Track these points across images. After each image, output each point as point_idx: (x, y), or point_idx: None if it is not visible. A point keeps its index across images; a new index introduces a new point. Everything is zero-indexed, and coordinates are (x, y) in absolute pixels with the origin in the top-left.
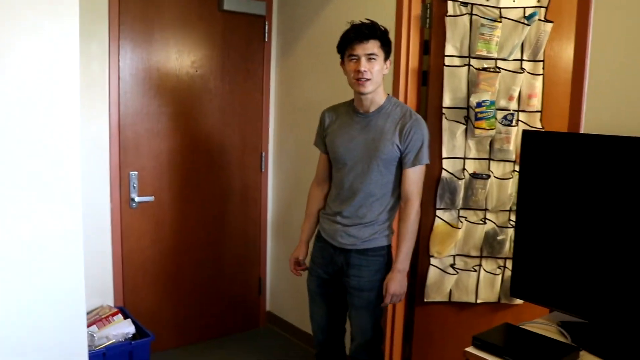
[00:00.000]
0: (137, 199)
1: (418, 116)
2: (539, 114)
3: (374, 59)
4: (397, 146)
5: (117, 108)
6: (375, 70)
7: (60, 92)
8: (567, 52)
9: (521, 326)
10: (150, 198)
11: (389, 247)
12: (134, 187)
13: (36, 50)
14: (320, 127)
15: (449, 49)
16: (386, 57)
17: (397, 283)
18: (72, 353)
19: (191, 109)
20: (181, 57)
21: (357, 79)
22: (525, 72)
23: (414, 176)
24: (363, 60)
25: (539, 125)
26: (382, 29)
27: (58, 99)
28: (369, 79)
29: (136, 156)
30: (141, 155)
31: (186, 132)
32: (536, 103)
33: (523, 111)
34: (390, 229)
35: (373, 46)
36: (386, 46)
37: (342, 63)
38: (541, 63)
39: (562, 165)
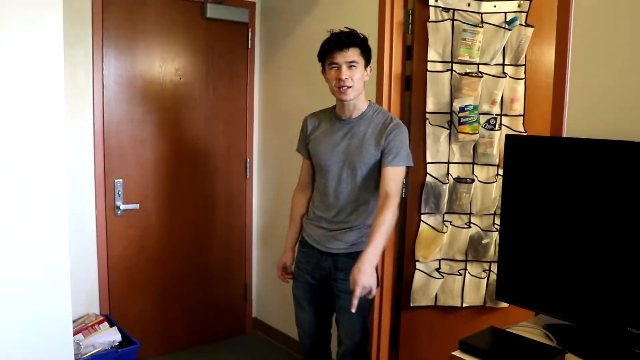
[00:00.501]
0: (122, 206)
1: (399, 121)
2: (522, 117)
3: (354, 66)
4: (377, 150)
5: (101, 116)
6: (357, 77)
7: (44, 100)
8: (548, 56)
9: (507, 329)
10: (136, 206)
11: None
12: (119, 194)
13: (20, 57)
14: (302, 133)
15: (432, 54)
16: (366, 64)
17: (363, 274)
18: None
19: (176, 116)
20: (165, 64)
21: (338, 87)
22: (508, 77)
23: (393, 174)
24: (344, 68)
25: (521, 129)
26: (362, 36)
27: (43, 107)
28: (350, 87)
29: (121, 164)
30: (126, 163)
31: (171, 139)
32: (518, 107)
33: (506, 115)
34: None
35: (353, 54)
36: (366, 53)
37: (323, 71)
38: (523, 67)
39: (545, 169)
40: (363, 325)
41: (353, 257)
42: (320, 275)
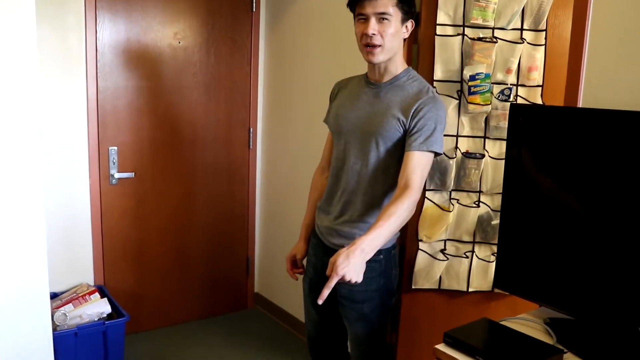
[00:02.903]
0: (116, 175)
1: (436, 95)
2: (540, 88)
3: (386, 19)
4: (402, 122)
5: (95, 81)
6: (388, 33)
7: (18, 65)
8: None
9: (502, 322)
10: (131, 174)
11: (388, 250)
12: (113, 163)
13: None
14: (330, 102)
15: (441, 17)
16: (405, 18)
17: (349, 264)
18: (35, 335)
19: (174, 83)
20: (163, 27)
21: (365, 45)
22: (525, 43)
23: (419, 161)
24: (372, 20)
25: (539, 100)
26: None
27: (16, 73)
28: (379, 45)
29: (116, 131)
30: (121, 131)
31: (169, 106)
32: (537, 77)
33: (522, 85)
34: None
35: (386, 3)
36: (404, 4)
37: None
38: (543, 33)
39: (554, 143)
40: (372, 335)
41: None
42: (322, 272)
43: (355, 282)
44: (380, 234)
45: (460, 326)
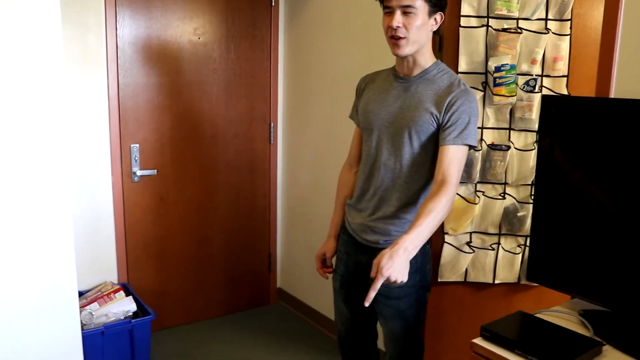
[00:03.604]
0: (139, 172)
1: (468, 87)
2: (565, 79)
3: (412, 12)
4: (435, 117)
5: (115, 79)
6: (414, 26)
7: (43, 64)
8: (598, 9)
9: (537, 315)
10: (153, 171)
11: (424, 246)
12: (135, 160)
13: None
14: (356, 97)
15: (465, 8)
16: (433, 10)
17: (393, 264)
18: (65, 333)
19: (194, 79)
20: (183, 23)
21: (390, 37)
22: (550, 33)
23: (454, 155)
24: (397, 13)
25: (565, 91)
26: None
27: (41, 72)
28: (403, 37)
29: (137, 128)
30: (142, 128)
31: (189, 102)
32: (562, 67)
33: (547, 76)
34: None
35: None
36: None
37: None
38: (568, 22)
39: (587, 134)
40: (409, 332)
41: None
42: (356, 269)
43: (401, 282)
44: (421, 232)
45: (495, 320)
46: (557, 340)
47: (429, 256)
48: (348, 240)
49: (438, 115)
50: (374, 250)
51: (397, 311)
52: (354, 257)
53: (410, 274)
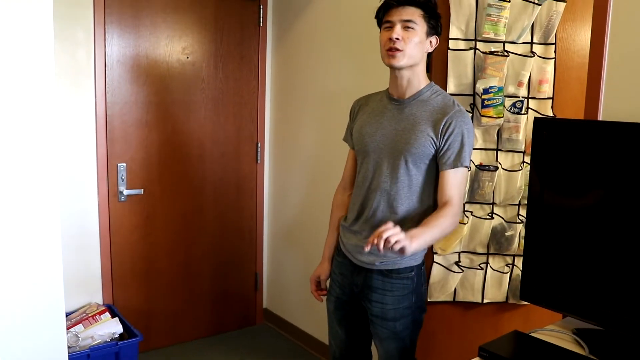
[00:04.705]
0: (125, 192)
1: (462, 108)
2: (550, 100)
3: (412, 28)
4: (432, 140)
5: (103, 97)
6: (412, 41)
7: (34, 81)
8: (581, 34)
9: (532, 334)
10: (140, 191)
11: (419, 267)
12: (122, 179)
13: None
14: (349, 119)
15: (454, 32)
16: (430, 32)
17: (395, 228)
18: (51, 356)
19: (182, 98)
20: (171, 42)
21: (387, 49)
22: (536, 56)
23: (455, 180)
24: (398, 26)
25: (550, 112)
26: None
27: (31, 89)
28: (401, 50)
29: (124, 147)
30: (130, 147)
31: (177, 122)
32: (547, 89)
33: (533, 98)
34: None
35: (412, 13)
36: (431, 17)
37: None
38: (553, 46)
39: (578, 155)
40: (404, 353)
41: (388, 275)
42: (351, 290)
43: (400, 249)
44: (423, 240)
45: (492, 340)
46: (554, 359)
47: (424, 277)
48: (343, 262)
49: (435, 138)
50: (370, 272)
51: (393, 332)
52: (350, 278)
53: (406, 295)
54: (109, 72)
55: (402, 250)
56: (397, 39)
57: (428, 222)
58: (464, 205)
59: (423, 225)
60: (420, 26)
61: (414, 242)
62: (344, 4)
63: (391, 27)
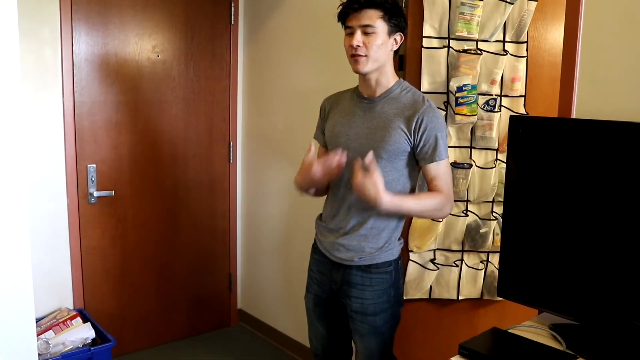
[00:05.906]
0: (95, 193)
1: (432, 103)
2: (523, 98)
3: (372, 32)
4: (406, 136)
5: (71, 97)
6: (374, 45)
7: None
8: (552, 32)
9: (510, 331)
10: (110, 192)
11: (396, 261)
12: (92, 181)
13: None
14: (320, 118)
15: (427, 30)
16: (393, 30)
17: (378, 182)
18: None
19: (153, 97)
20: (141, 40)
21: (351, 55)
22: (508, 54)
23: (437, 171)
24: (358, 33)
25: (522, 110)
26: None
27: None
28: (364, 55)
29: (94, 148)
30: (99, 147)
31: (148, 121)
32: (520, 87)
33: (506, 96)
34: (398, 239)
35: (370, 16)
36: (392, 16)
37: None
38: (524, 44)
39: (553, 153)
40: (384, 349)
41: (367, 271)
42: (330, 288)
43: (374, 196)
44: (404, 198)
45: (472, 338)
46: (533, 355)
47: (401, 271)
48: (320, 260)
49: (408, 134)
50: (348, 268)
51: (373, 327)
52: (329, 276)
53: (385, 289)
54: (77, 71)
55: (375, 203)
56: (358, 45)
57: (414, 194)
58: None
59: (414, 196)
60: (381, 28)
61: (393, 199)
62: (315, 2)
63: (352, 33)
